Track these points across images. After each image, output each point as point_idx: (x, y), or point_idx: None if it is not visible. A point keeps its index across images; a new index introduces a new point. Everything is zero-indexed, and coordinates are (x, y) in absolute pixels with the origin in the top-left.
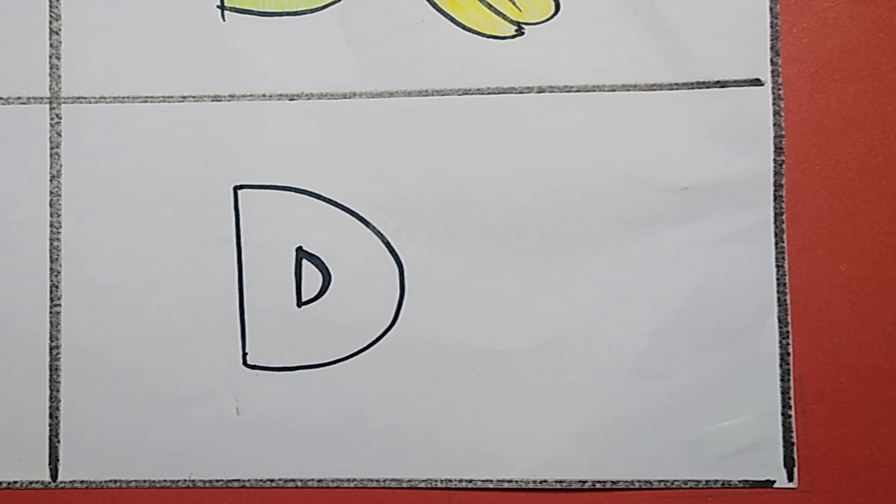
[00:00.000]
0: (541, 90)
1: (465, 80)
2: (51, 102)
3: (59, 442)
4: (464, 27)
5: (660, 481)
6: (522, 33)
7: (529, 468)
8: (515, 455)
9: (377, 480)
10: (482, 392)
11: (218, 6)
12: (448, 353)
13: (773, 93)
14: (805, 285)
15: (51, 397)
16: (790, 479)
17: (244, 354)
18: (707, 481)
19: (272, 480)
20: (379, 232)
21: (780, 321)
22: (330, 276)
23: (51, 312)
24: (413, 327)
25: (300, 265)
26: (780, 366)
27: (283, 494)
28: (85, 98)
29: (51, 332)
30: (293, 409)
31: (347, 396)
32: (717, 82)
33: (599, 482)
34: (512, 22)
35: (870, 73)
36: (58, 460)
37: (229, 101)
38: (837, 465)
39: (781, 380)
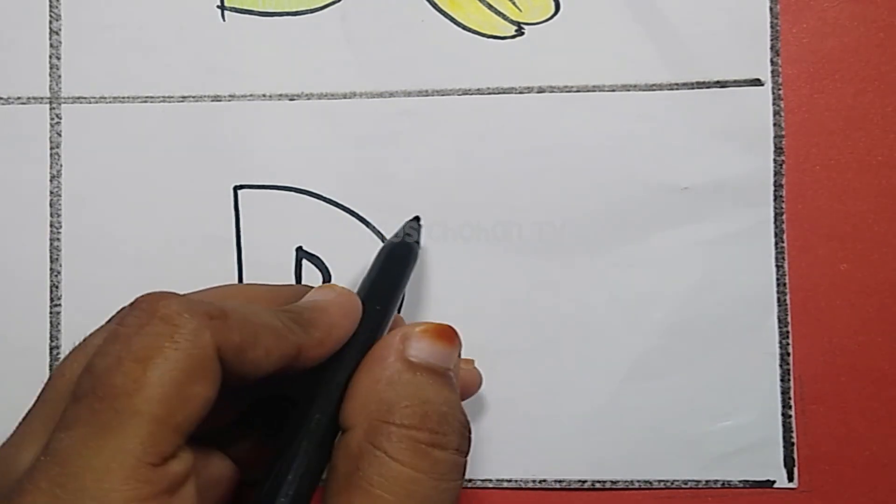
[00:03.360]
0: (541, 90)
1: (465, 80)
2: (51, 102)
3: None
4: (464, 27)
5: (660, 481)
6: (522, 33)
7: (529, 468)
8: (515, 455)
9: None
10: (482, 392)
11: (218, 6)
12: None
13: (773, 93)
14: (805, 285)
15: None
16: (790, 479)
17: None
18: (707, 481)
19: None
20: (379, 232)
21: (780, 321)
22: (330, 276)
23: (51, 312)
24: None
25: (300, 265)
26: (780, 366)
27: None
28: (85, 98)
29: (51, 332)
30: None
31: None
32: (717, 82)
33: (599, 482)
34: (512, 22)
35: (870, 73)
36: None
37: (229, 101)
38: (837, 465)
39: (781, 380)
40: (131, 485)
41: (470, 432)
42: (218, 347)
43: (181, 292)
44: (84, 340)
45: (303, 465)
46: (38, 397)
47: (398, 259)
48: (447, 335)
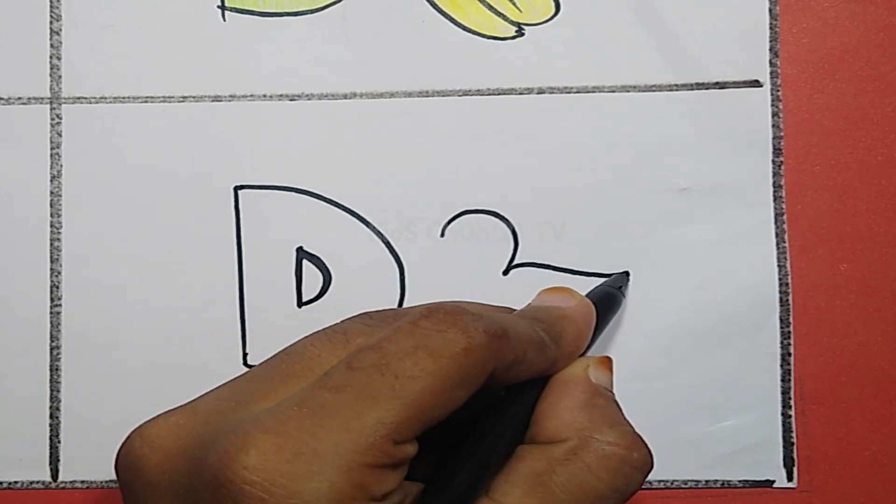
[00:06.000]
0: (541, 91)
1: (465, 81)
2: (51, 102)
3: (59, 442)
4: (464, 27)
5: (660, 481)
6: (523, 34)
7: None
8: None
9: None
10: None
11: (218, 6)
12: None
13: (772, 94)
14: (805, 285)
15: (51, 397)
16: (790, 479)
17: (244, 354)
18: (707, 481)
19: None
20: (379, 232)
21: (781, 321)
22: (330, 276)
23: (51, 312)
24: None
25: (300, 265)
26: (781, 366)
27: None
28: (85, 98)
29: (51, 332)
30: None
31: None
32: (717, 83)
33: None
34: (512, 23)
35: (870, 73)
36: (58, 460)
37: (229, 101)
38: (837, 465)
39: (781, 380)
40: (372, 452)
41: None
42: (494, 366)
43: (181, 292)
44: (338, 331)
45: (484, 463)
46: (274, 365)
47: (605, 306)
48: (609, 363)
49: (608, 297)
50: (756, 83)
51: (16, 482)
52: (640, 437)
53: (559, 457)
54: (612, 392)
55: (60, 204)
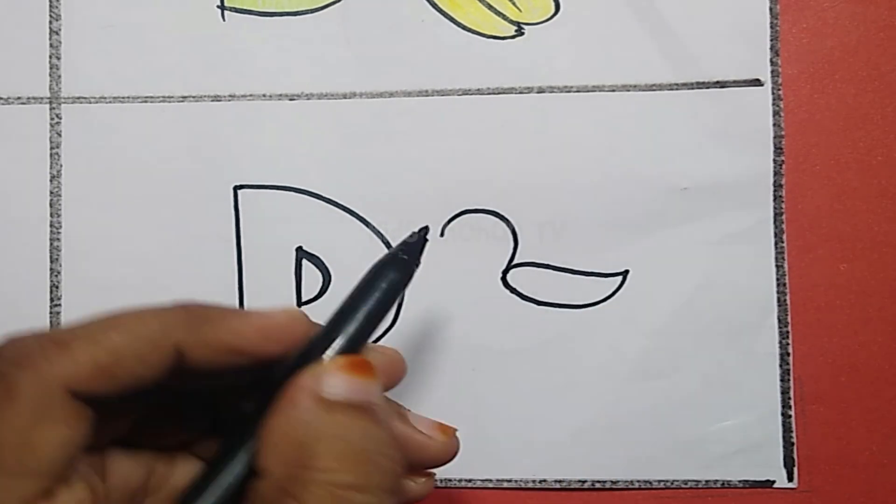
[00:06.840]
0: (541, 90)
1: (465, 80)
2: (51, 102)
3: None
4: (464, 27)
5: (660, 481)
6: (522, 33)
7: (529, 468)
8: (515, 455)
9: None
10: (482, 392)
11: (218, 6)
12: (448, 353)
13: (773, 93)
14: (805, 285)
15: None
16: (790, 479)
17: None
18: (707, 481)
19: None
20: (379, 232)
21: (779, 321)
22: (330, 276)
23: (51, 312)
24: (413, 327)
25: (300, 265)
26: (780, 366)
27: None
28: (85, 98)
29: None
30: None
31: None
32: (717, 83)
33: (599, 482)
34: (512, 22)
35: (870, 73)
36: None
37: (229, 101)
38: (837, 465)
39: (781, 380)
40: None
41: (400, 465)
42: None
43: (181, 292)
44: None
45: (209, 481)
46: None
47: (379, 278)
48: (363, 367)
49: (384, 266)
50: (757, 82)
51: None
52: (375, 447)
53: (269, 500)
54: (360, 399)
55: (60, 204)
